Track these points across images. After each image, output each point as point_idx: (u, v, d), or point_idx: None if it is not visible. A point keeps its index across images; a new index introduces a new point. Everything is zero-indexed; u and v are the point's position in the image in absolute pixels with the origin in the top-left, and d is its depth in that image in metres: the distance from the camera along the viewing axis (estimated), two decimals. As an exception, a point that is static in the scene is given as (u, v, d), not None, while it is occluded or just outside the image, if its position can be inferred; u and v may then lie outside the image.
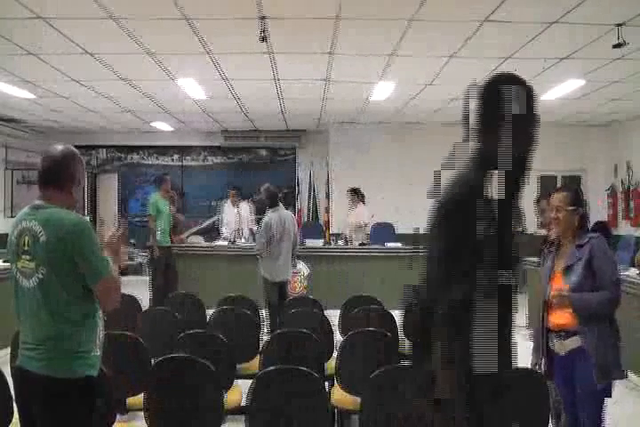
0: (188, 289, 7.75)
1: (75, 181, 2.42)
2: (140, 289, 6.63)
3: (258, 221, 7.81)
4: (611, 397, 2.83)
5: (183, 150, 12.41)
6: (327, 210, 11.04)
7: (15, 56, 6.08)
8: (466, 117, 1.78)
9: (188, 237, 9.90)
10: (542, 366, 3.01)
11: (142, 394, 3.02)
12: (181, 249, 8.60)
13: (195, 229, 11.57)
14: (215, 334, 3.67)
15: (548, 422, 2.74)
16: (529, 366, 3.12)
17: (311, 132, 12.02)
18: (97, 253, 2.31)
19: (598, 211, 10.04)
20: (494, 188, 1.75)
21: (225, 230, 9.79)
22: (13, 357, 3.55)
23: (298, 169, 12.24)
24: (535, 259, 7.35)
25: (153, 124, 10.95)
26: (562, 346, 2.92)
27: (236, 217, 9.43)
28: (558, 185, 11.05)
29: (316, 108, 9.47)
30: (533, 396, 2.79)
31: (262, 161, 12.43)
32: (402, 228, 9.98)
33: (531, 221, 10.23)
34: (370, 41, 5.71)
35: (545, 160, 10.79)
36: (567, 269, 2.94)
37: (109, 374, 2.77)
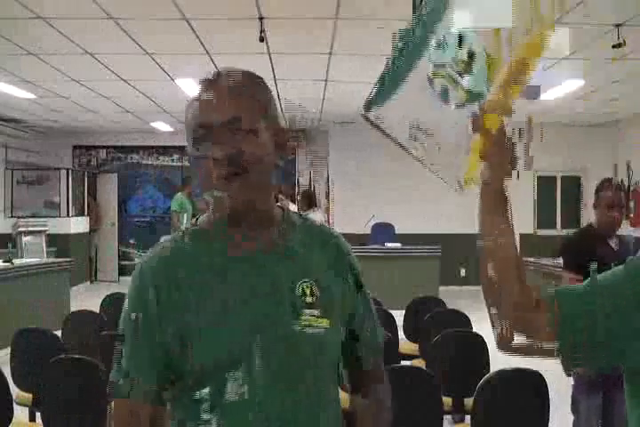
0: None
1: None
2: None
3: None
4: None
5: (183, 150, 12.38)
6: (327, 210, 11.03)
7: (15, 56, 6.07)
8: None
9: None
10: None
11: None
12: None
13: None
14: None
15: (547, 422, 2.73)
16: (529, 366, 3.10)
17: (311, 132, 12.01)
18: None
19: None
20: None
21: None
22: (13, 356, 3.55)
23: (298, 169, 12.23)
24: (532, 259, 7.36)
25: (153, 124, 10.94)
26: None
27: None
28: (558, 185, 11.07)
29: (315, 108, 9.46)
30: (533, 395, 2.79)
31: (262, 161, 12.40)
32: (402, 228, 9.98)
33: (530, 221, 10.13)
34: (369, 41, 5.71)
35: (545, 160, 10.87)
36: None
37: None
